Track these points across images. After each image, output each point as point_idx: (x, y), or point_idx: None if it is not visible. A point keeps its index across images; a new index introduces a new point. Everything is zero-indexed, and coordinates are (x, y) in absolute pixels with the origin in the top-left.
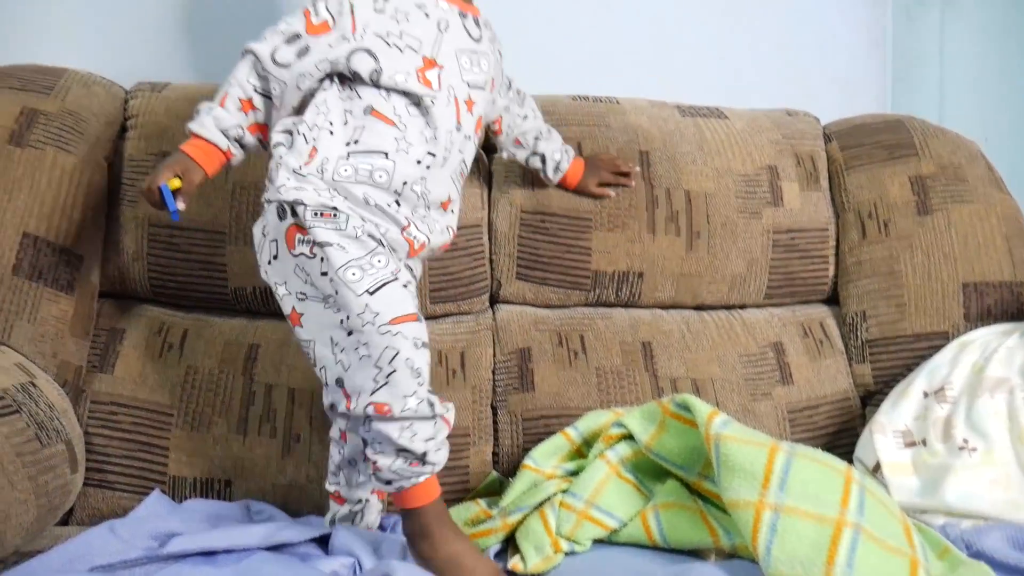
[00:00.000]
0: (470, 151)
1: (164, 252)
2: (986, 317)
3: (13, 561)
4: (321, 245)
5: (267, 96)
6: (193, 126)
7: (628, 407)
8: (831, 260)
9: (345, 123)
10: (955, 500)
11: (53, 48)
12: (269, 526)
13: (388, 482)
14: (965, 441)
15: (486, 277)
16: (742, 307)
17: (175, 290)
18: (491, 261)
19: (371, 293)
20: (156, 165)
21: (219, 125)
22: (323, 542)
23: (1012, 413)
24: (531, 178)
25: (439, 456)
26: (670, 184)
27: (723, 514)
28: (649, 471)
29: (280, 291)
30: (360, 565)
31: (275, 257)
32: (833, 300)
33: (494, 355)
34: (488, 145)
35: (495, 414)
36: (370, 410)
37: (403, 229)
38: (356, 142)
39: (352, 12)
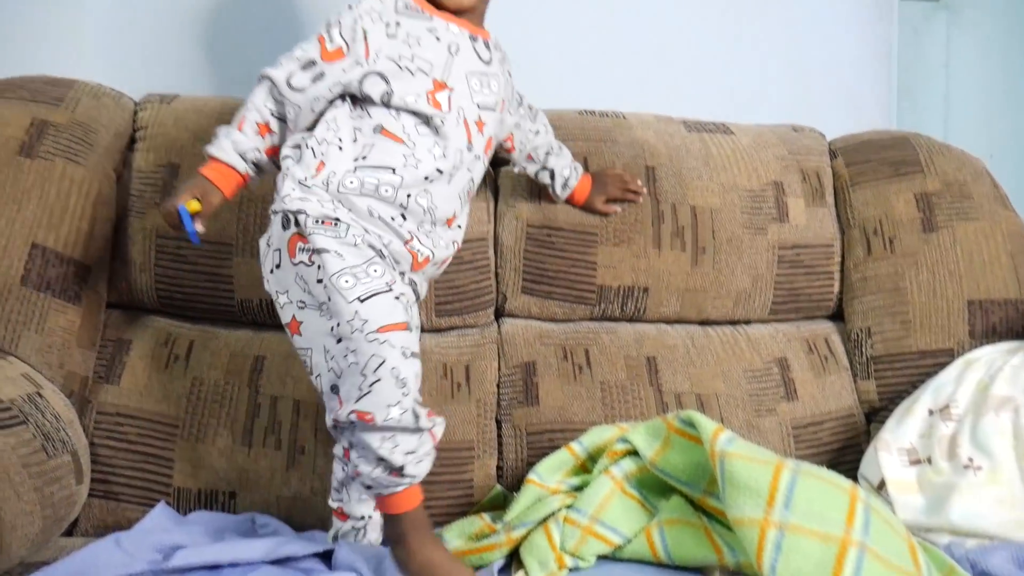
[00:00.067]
0: (479, 171)
1: (171, 263)
2: (991, 335)
3: (18, 573)
4: (319, 252)
5: (283, 120)
6: (212, 149)
7: (633, 422)
8: (836, 276)
9: (354, 140)
10: (960, 519)
11: (63, 59)
12: (273, 540)
13: (368, 487)
14: (970, 460)
15: (491, 291)
16: (747, 322)
17: (182, 301)
18: (497, 275)
19: (362, 301)
20: (176, 187)
21: (237, 148)
22: (326, 557)
23: (1017, 432)
24: (537, 192)
25: (418, 469)
26: (676, 199)
27: (728, 531)
28: (654, 487)
29: (281, 299)
30: None
31: (277, 266)
32: (838, 316)
33: (499, 369)
34: (496, 159)
35: (499, 428)
36: (353, 417)
37: (406, 242)
38: (364, 158)
39: (365, 38)
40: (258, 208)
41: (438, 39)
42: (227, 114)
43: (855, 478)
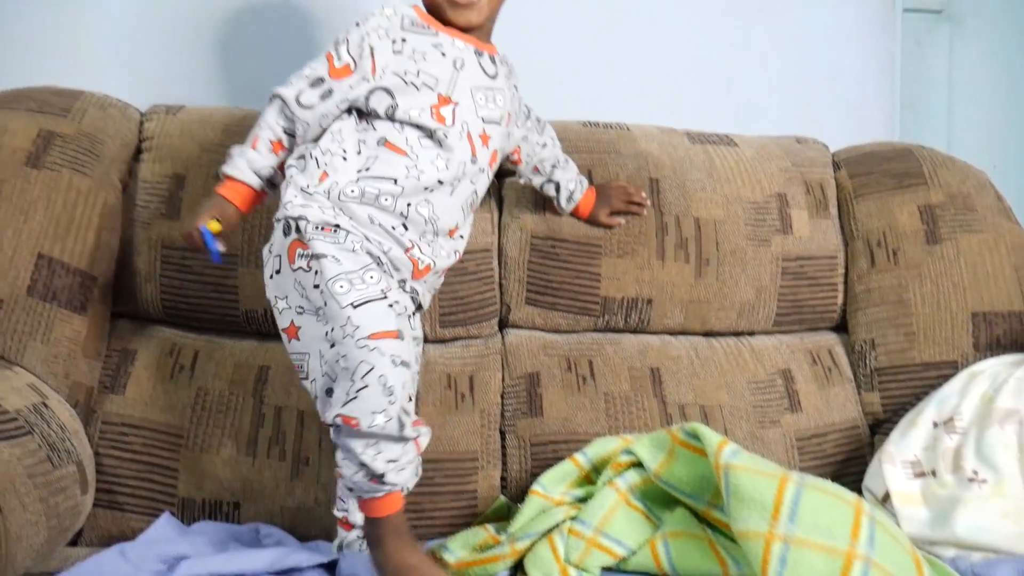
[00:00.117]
0: (483, 184)
1: (177, 274)
2: (995, 347)
3: None
4: (317, 257)
5: (293, 136)
6: (227, 169)
7: (637, 434)
8: (840, 288)
9: (359, 152)
10: (965, 532)
11: (71, 71)
12: (277, 551)
13: (350, 489)
14: (975, 473)
15: (495, 301)
16: (751, 334)
17: (187, 311)
18: (501, 286)
19: (355, 307)
20: (195, 209)
21: (252, 166)
22: (331, 568)
23: (1022, 445)
24: (542, 203)
25: (399, 477)
26: (679, 211)
27: (733, 544)
28: (658, 499)
29: (280, 305)
30: None
31: (277, 272)
32: (842, 328)
33: (503, 379)
34: (501, 170)
35: (503, 439)
36: (338, 420)
37: (407, 250)
38: (367, 169)
39: (372, 55)
40: (263, 219)
41: (444, 54)
42: (233, 125)
43: (859, 490)
